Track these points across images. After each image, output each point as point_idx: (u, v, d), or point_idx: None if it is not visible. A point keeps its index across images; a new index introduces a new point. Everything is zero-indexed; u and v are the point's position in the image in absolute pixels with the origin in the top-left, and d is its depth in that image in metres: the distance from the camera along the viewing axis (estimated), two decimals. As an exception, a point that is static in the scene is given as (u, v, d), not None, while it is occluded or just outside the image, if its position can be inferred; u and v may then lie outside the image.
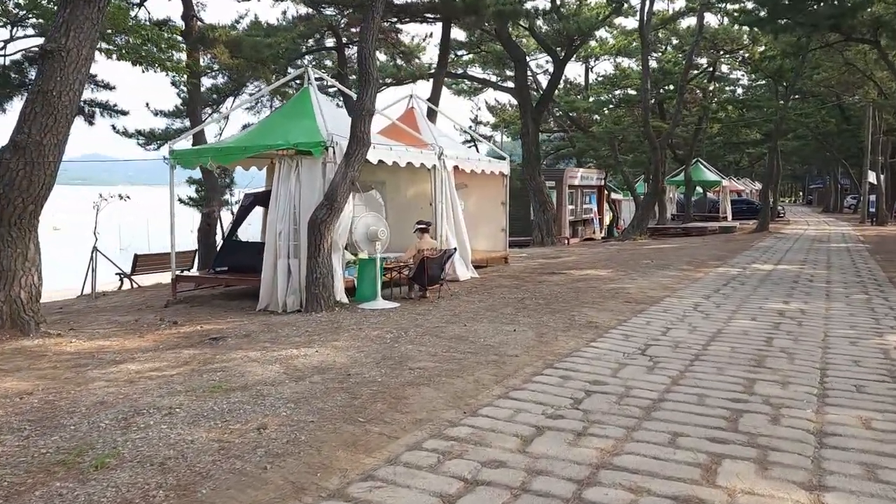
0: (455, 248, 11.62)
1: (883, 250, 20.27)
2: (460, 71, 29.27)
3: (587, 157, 39.40)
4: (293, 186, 9.92)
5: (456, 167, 13.29)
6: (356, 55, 9.98)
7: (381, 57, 25.59)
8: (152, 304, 11.06)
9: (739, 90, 49.95)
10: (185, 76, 13.29)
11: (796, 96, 50.12)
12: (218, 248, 12.13)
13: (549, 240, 24.15)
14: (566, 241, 27.96)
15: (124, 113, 16.29)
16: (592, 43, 38.01)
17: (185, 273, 11.37)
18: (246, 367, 6.02)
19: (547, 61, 36.09)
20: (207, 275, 11.37)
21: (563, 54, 23.64)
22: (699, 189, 46.13)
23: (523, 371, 5.87)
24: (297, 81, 15.02)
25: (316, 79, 11.45)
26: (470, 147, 22.33)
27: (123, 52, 11.87)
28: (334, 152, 9.77)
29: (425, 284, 9.83)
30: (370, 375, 5.66)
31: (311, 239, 9.32)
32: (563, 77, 49.29)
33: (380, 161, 11.00)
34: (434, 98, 19.54)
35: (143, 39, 11.63)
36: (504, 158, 15.69)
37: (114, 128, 18.64)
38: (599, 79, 43.09)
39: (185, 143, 13.42)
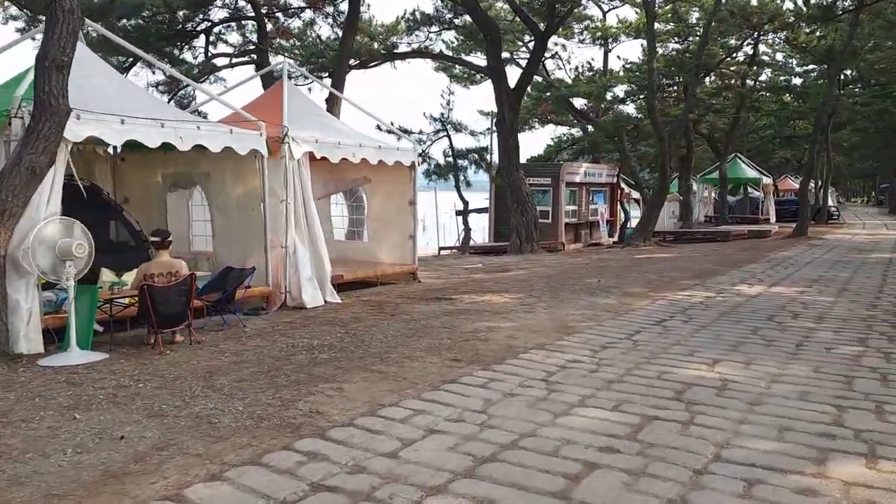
0: (253, 268, 8.25)
1: (934, 264, 15.90)
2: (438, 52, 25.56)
3: (603, 151, 35.15)
4: (-27, 178, 6.76)
5: (312, 154, 9.97)
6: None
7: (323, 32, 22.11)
8: None
9: (797, 80, 44.36)
10: None
11: (859, 87, 44.64)
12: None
13: (529, 247, 20.42)
14: (561, 247, 24.22)
15: None
16: (611, 21, 33.95)
17: None
18: None
19: (557, 43, 32.18)
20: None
21: (543, 27, 19.88)
22: (750, 188, 41.29)
23: None
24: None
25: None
26: (436, 136, 18.86)
27: None
28: (23, 126, 6.56)
29: (154, 325, 6.50)
30: None
31: (-37, 258, 6.15)
32: (584, 62, 45.00)
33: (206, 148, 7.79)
34: (338, 81, 15.83)
35: None
36: (411, 145, 12.20)
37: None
38: (627, 65, 38.71)
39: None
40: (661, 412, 4.80)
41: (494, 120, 21.84)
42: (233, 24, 19.21)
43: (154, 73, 17.31)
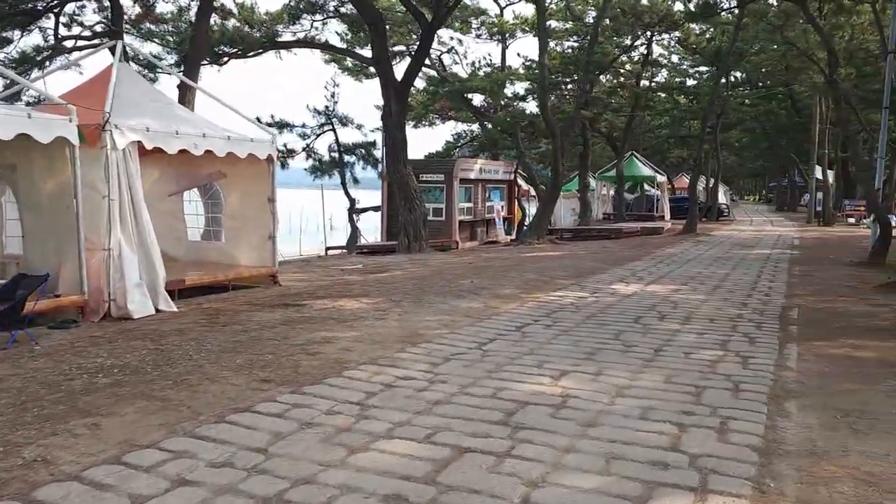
0: (47, 275, 7.10)
1: (809, 259, 16.22)
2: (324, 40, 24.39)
3: (502, 148, 34.90)
4: None
5: (140, 144, 8.79)
6: None
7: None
8: None
9: (691, 81, 45.45)
10: None
11: (747, 88, 46.37)
12: None
13: (418, 245, 19.66)
14: (455, 246, 23.63)
15: None
16: (508, 16, 33.73)
17: None
18: None
19: (453, 38, 31.63)
20: None
21: (431, 18, 19.18)
22: (647, 186, 42.08)
23: None
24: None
25: None
26: (321, 130, 17.73)
27: None
28: None
29: None
30: None
31: None
32: (481, 57, 44.61)
33: None
34: (192, 69, 14.34)
35: None
36: (268, 136, 11.13)
37: None
38: (527, 62, 38.65)
39: None
40: (479, 441, 4.07)
41: (381, 113, 20.96)
42: (91, 4, 17.48)
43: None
